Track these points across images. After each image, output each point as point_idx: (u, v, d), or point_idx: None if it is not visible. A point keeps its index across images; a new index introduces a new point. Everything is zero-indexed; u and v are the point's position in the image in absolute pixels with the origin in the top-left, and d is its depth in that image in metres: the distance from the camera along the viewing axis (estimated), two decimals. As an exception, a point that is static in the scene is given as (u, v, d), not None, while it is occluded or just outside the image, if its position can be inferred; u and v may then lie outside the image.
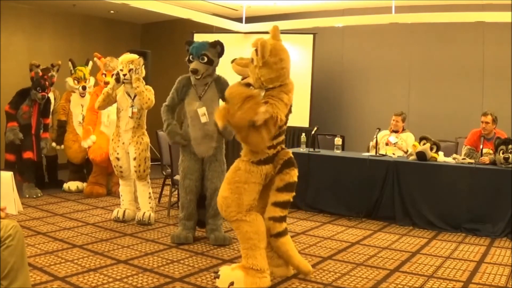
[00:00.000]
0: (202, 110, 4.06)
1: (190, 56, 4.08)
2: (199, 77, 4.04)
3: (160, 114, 4.21)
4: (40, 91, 5.83)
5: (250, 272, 3.00)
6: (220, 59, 4.17)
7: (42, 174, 6.50)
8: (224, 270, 3.15)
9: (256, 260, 3.02)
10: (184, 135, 4.15)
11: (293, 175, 3.19)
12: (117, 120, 4.95)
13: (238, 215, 3.05)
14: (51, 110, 6.29)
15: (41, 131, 6.04)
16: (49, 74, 5.98)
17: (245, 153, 3.17)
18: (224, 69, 4.10)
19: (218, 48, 4.09)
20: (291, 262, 3.29)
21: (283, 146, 3.27)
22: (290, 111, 3.21)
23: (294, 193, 3.21)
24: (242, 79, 3.27)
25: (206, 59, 4.03)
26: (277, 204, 3.16)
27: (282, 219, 3.17)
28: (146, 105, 4.77)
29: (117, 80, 4.79)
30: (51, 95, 6.41)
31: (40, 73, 5.88)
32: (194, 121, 4.09)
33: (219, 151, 4.19)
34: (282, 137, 3.24)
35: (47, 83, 5.89)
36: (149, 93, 4.77)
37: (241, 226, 3.06)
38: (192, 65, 4.03)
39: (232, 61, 3.38)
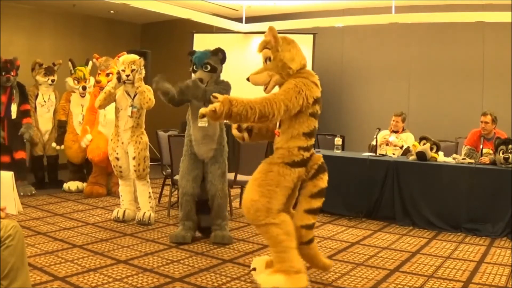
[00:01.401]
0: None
1: (194, 66, 4.13)
2: (204, 85, 4.06)
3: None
4: (5, 74, 5.84)
5: (289, 274, 2.90)
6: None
7: (43, 174, 6.50)
8: (262, 278, 3.03)
9: (292, 262, 2.92)
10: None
11: (325, 180, 3.10)
12: (116, 119, 4.94)
13: (266, 219, 2.91)
14: (28, 96, 6.21)
15: (13, 115, 5.87)
16: (12, 58, 5.96)
17: (279, 155, 3.03)
18: (227, 73, 4.12)
19: (220, 55, 4.14)
20: (316, 264, 3.26)
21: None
22: (320, 105, 3.12)
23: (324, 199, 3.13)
24: (265, 89, 3.11)
25: (209, 67, 4.07)
26: (310, 211, 3.05)
27: (313, 226, 3.11)
28: (147, 105, 4.77)
29: (118, 79, 4.80)
30: (51, 95, 6.44)
31: (3, 59, 5.89)
32: (196, 122, 4.10)
33: (220, 152, 4.19)
34: (313, 140, 3.15)
35: (8, 65, 5.88)
36: (149, 93, 4.78)
37: (270, 229, 2.92)
38: (197, 75, 4.09)
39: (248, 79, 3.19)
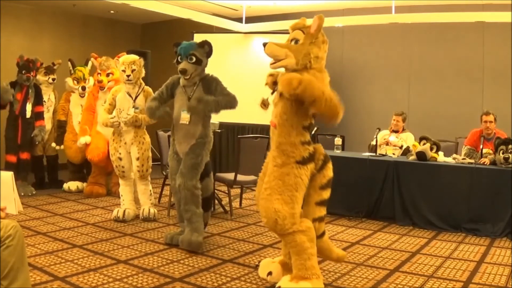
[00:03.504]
0: (185, 115, 3.98)
1: (179, 57, 4.01)
2: (188, 77, 3.98)
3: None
4: (25, 73, 5.86)
5: (312, 280, 2.87)
6: (213, 58, 4.12)
7: (43, 174, 6.49)
8: (286, 285, 2.92)
9: (314, 269, 2.89)
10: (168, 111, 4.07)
11: (331, 169, 3.07)
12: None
13: (294, 227, 2.83)
14: (43, 98, 6.25)
15: (28, 114, 5.90)
16: (34, 58, 6.01)
17: (287, 153, 2.92)
18: (218, 69, 4.07)
19: (206, 48, 4.02)
20: (329, 256, 3.23)
21: None
22: None
23: None
24: (273, 63, 3.01)
25: (194, 59, 3.95)
26: (321, 203, 3.02)
27: (324, 218, 3.07)
28: (142, 125, 4.88)
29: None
30: (51, 95, 6.44)
31: (25, 58, 5.93)
32: (177, 120, 4.04)
33: (197, 146, 3.97)
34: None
35: (30, 64, 5.93)
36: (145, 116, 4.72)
37: (297, 237, 2.84)
38: (181, 66, 3.95)
39: (264, 44, 3.05)
